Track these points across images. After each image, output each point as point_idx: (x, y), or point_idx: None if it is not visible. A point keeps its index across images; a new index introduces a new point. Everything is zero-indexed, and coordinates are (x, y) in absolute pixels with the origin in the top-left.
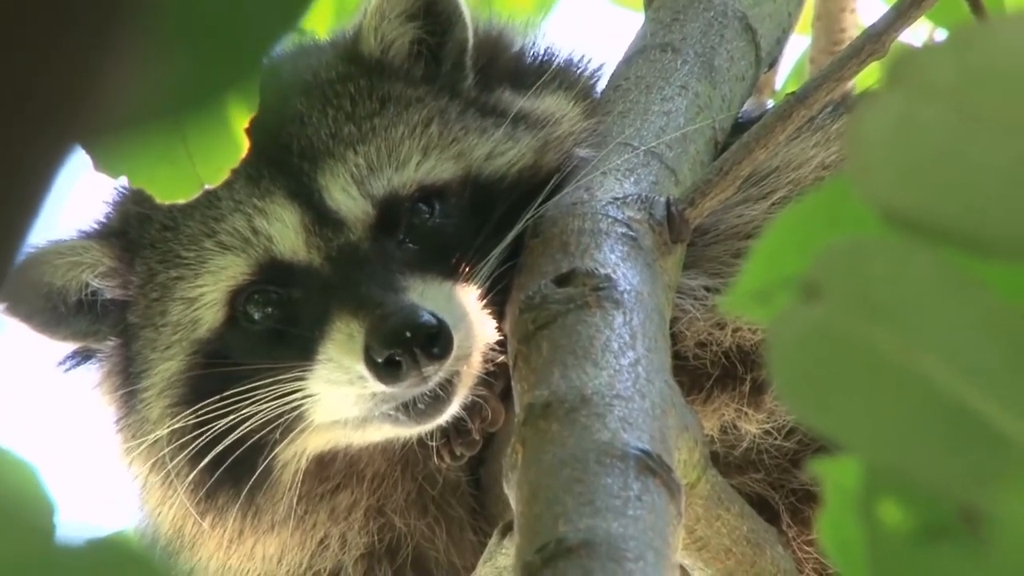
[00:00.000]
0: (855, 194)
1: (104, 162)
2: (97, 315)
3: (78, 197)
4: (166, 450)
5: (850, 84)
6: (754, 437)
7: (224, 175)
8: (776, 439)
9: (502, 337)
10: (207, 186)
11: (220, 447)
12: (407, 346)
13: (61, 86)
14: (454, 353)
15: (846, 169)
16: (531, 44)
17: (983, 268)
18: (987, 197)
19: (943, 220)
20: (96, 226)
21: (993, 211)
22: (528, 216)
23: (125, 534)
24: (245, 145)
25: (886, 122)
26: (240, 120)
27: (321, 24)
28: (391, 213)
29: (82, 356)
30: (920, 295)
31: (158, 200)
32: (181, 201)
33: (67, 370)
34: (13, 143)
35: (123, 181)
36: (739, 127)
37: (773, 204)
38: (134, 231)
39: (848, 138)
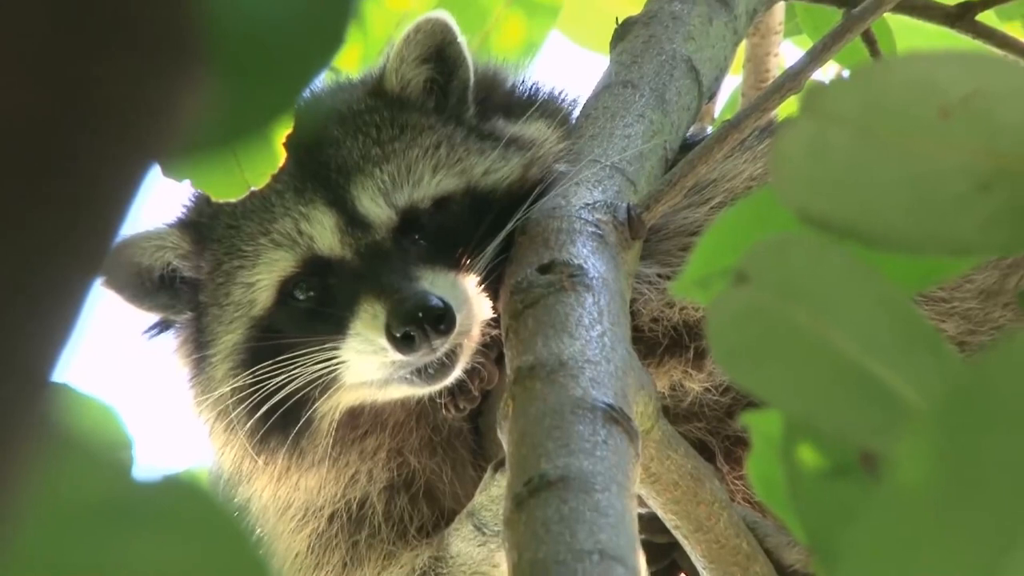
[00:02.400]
0: (778, 201)
1: (170, 169)
2: (175, 292)
3: (154, 197)
4: (228, 403)
5: (773, 113)
6: (697, 394)
7: (266, 179)
8: (714, 395)
9: (496, 315)
10: (253, 188)
11: (271, 402)
12: (420, 324)
13: (151, 117)
14: (457, 329)
15: (770, 181)
16: (520, 81)
17: (880, 259)
18: (883, 203)
19: (848, 221)
20: (177, 219)
21: (888, 214)
22: (517, 219)
23: (196, 472)
24: (283, 155)
25: (802, 142)
26: (279, 135)
27: (351, 62)
28: (409, 219)
29: (163, 326)
30: (830, 281)
31: (213, 199)
32: (232, 200)
33: (151, 337)
34: (116, 160)
35: (187, 184)
36: (685, 147)
37: (712, 208)
38: (206, 228)
39: (772, 156)
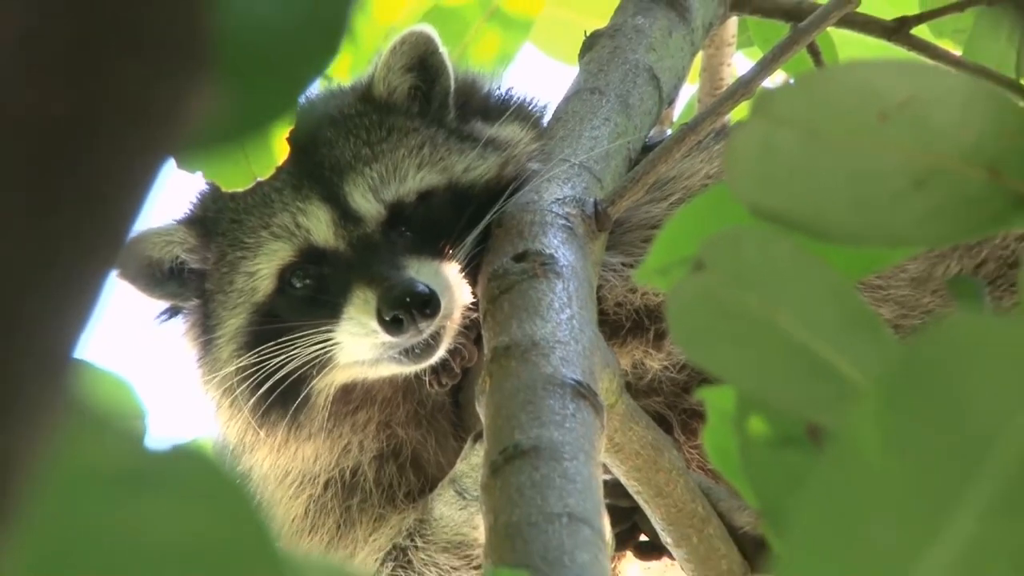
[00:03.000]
0: (732, 196)
1: (184, 162)
2: (183, 281)
3: (168, 189)
4: (233, 381)
5: (727, 118)
6: (656, 371)
7: (271, 171)
8: (672, 372)
9: (476, 299)
10: (259, 178)
11: (272, 380)
12: (407, 309)
13: (163, 116)
14: (441, 313)
15: (725, 178)
16: (496, 88)
17: (824, 250)
18: (828, 198)
19: (796, 215)
20: (184, 216)
21: (832, 208)
22: (494, 212)
23: (202, 442)
24: (286, 149)
25: (754, 143)
26: (282, 132)
27: (342, 70)
28: (396, 213)
29: (173, 312)
30: (779, 269)
31: (223, 189)
32: (240, 190)
33: (162, 322)
34: (131, 157)
35: (198, 175)
36: (647, 148)
37: (671, 204)
38: (211, 223)
39: (726, 155)
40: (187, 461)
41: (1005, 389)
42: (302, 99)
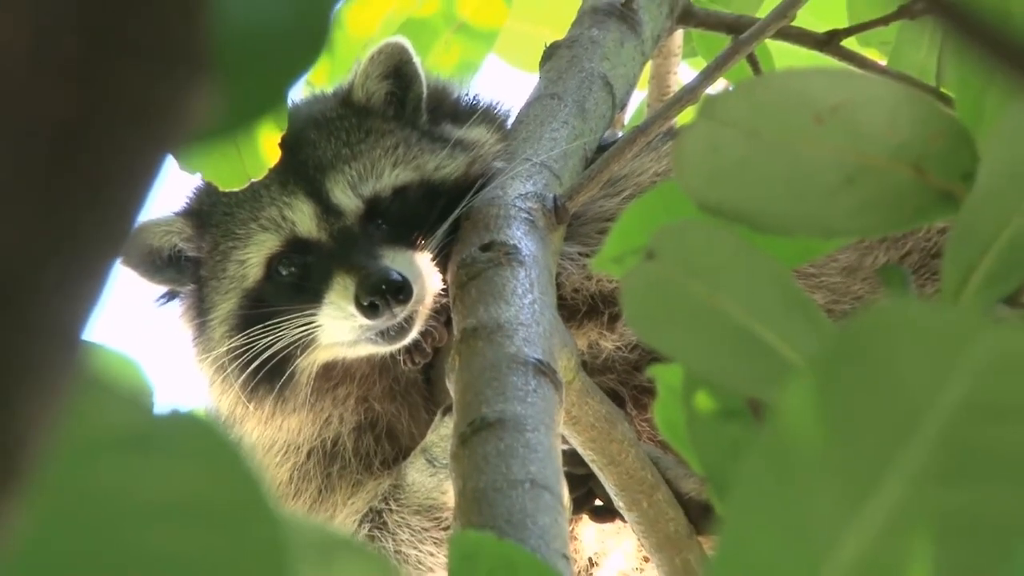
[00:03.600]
0: (680, 191)
1: (184, 162)
2: (181, 268)
3: (169, 186)
4: (225, 360)
5: (674, 121)
6: (610, 351)
7: (264, 172)
8: (625, 352)
9: (446, 286)
10: (253, 179)
11: (260, 359)
12: (383, 295)
13: (164, 116)
14: (414, 298)
15: (674, 175)
16: (464, 93)
17: (764, 240)
18: (767, 193)
19: (739, 208)
20: (182, 208)
21: (771, 202)
22: (463, 206)
23: (198, 411)
24: (278, 152)
25: (700, 143)
26: (275, 135)
27: (321, 78)
28: (374, 207)
29: (170, 296)
30: (723, 258)
31: (220, 188)
32: (235, 189)
33: (161, 305)
34: (134, 153)
35: (197, 176)
36: (601, 148)
37: (623, 199)
38: (206, 215)
39: (675, 154)
40: (187, 425)
41: (929, 368)
42: (289, 104)
